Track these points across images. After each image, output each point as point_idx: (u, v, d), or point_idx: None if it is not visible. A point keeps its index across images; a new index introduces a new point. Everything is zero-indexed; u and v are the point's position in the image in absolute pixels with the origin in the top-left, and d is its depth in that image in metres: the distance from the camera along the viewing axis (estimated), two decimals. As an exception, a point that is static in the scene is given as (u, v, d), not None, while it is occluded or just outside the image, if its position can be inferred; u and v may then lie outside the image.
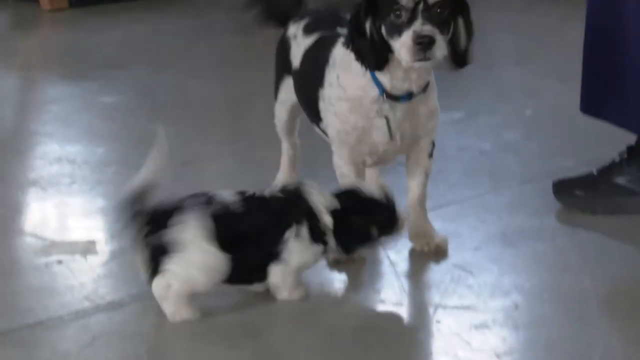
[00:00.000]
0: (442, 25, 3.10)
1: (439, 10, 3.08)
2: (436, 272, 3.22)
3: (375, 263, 3.29)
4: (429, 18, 3.06)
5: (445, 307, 2.99)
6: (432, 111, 3.32)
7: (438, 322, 2.92)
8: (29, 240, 3.58)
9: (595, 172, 3.71)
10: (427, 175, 3.42)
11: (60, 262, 3.34)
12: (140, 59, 6.12)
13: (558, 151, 4.24)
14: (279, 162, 3.91)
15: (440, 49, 3.08)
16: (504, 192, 3.87)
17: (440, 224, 3.53)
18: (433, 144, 3.39)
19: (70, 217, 3.81)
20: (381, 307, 3.02)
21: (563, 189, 3.71)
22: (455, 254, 3.34)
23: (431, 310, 2.98)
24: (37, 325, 2.92)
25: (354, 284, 3.18)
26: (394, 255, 3.33)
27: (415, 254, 3.34)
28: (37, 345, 2.84)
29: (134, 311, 3.02)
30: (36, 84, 5.80)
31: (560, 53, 5.97)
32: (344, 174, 3.35)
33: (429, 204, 3.58)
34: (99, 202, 3.92)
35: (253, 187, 3.05)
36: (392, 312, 3.00)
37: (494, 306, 3.01)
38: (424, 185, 3.43)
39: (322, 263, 3.20)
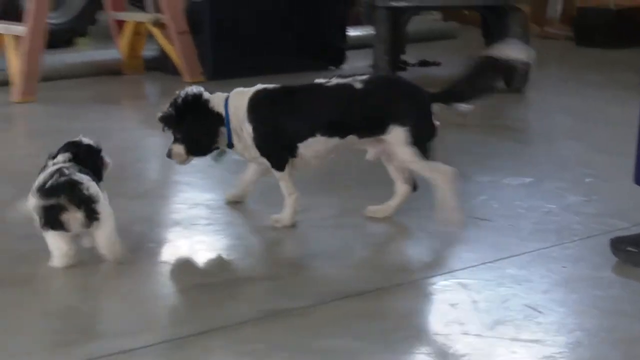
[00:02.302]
0: (179, 138, 4.07)
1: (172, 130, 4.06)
2: (511, 310, 3.17)
3: (460, 301, 3.26)
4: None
5: (518, 340, 2.95)
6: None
7: (514, 352, 2.88)
8: (172, 269, 3.63)
9: (646, 232, 3.66)
10: None
11: (198, 288, 3.37)
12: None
13: (614, 214, 4.17)
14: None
15: (176, 155, 4.10)
16: (568, 246, 3.81)
17: (514, 271, 3.51)
18: None
19: (206, 252, 3.84)
20: (464, 339, 2.99)
21: (618, 245, 3.64)
22: (527, 296, 3.29)
23: (507, 342, 2.94)
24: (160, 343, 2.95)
25: (440, 317, 3.15)
26: (476, 295, 3.30)
27: (496, 294, 3.31)
28: None
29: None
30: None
31: (607, 130, 5.90)
32: None
33: (504, 254, 3.58)
34: (230, 240, 3.96)
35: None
36: (474, 342, 2.96)
37: (560, 342, 2.96)
38: None
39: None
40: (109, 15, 8.17)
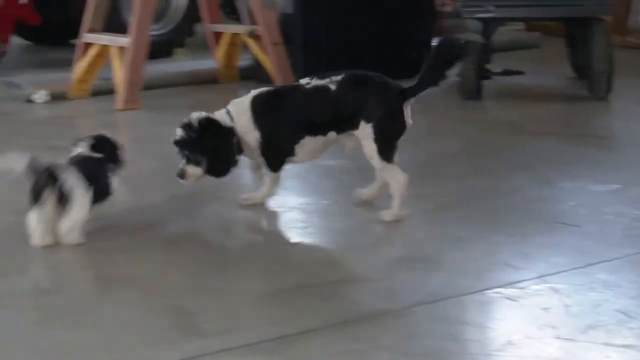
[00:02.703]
0: (193, 160, 4.13)
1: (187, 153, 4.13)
2: (603, 315, 3.10)
3: (552, 305, 3.19)
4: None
5: (611, 345, 2.88)
6: None
7: (607, 357, 2.81)
8: (272, 270, 3.63)
9: None
10: None
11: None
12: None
13: None
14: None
15: (191, 176, 4.15)
16: (657, 252, 3.72)
17: (604, 276, 3.43)
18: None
19: (305, 254, 3.84)
20: (557, 343, 2.92)
21: None
22: (618, 301, 3.21)
23: (601, 347, 2.87)
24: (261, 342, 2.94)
25: (533, 321, 3.09)
26: (567, 299, 3.23)
27: (587, 298, 3.24)
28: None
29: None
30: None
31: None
32: None
33: (593, 259, 3.51)
34: (328, 243, 3.97)
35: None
36: (568, 346, 2.90)
37: (652, 347, 2.89)
38: None
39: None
40: (206, 27, 8.24)
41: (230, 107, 4.25)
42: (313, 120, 4.16)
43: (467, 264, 3.69)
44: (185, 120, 4.18)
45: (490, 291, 3.34)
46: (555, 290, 3.31)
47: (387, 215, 4.06)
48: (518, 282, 3.40)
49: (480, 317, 3.17)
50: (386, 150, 4.06)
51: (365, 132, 4.07)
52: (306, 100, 4.17)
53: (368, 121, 4.06)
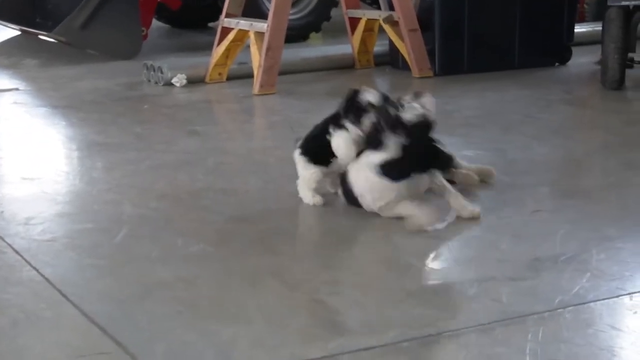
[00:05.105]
0: None
1: None
2: None
3: None
4: None
5: None
6: None
7: None
8: (417, 267, 3.53)
9: None
10: None
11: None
12: (491, 121, 5.98)
13: None
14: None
15: None
16: None
17: None
18: None
19: (450, 252, 3.73)
20: None
21: None
22: None
23: None
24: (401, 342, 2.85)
25: None
26: None
27: None
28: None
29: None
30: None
31: None
32: None
33: None
34: (470, 239, 3.83)
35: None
36: None
37: None
38: None
39: None
40: (344, 12, 8.18)
41: None
42: None
43: (614, 264, 3.51)
44: None
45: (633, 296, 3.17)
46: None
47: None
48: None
49: (630, 322, 3.01)
50: None
51: None
52: None
53: None
